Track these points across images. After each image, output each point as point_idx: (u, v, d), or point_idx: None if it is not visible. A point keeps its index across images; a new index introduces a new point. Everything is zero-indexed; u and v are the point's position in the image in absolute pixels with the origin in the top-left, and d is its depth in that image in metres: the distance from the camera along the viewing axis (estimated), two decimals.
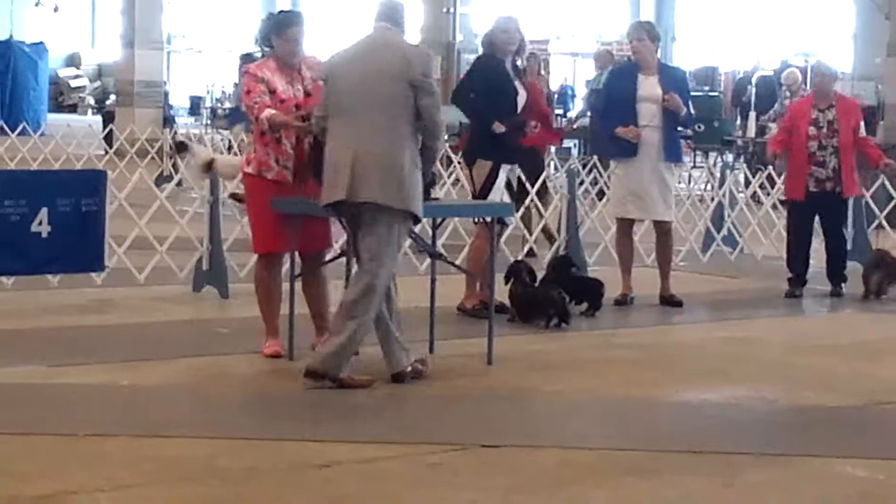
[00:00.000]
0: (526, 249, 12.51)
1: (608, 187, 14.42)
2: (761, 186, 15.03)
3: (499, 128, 9.68)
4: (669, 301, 10.52)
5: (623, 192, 10.51)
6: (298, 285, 8.16)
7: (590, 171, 16.08)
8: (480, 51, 10.27)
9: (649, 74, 10.39)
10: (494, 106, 9.73)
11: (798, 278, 11.17)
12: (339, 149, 7.39)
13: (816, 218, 11.22)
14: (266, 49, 8.16)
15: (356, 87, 7.38)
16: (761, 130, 20.92)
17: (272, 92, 7.96)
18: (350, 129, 7.37)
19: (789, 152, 11.14)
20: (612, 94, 10.67)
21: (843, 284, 11.25)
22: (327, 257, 8.29)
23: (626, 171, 10.47)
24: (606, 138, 10.72)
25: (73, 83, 46.13)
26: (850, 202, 12.79)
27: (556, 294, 9.48)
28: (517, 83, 9.81)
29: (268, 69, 8.02)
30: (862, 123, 11.24)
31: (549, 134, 15.28)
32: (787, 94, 19.99)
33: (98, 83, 46.22)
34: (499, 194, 9.75)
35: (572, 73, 32.91)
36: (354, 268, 7.55)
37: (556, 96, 28.47)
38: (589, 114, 20.84)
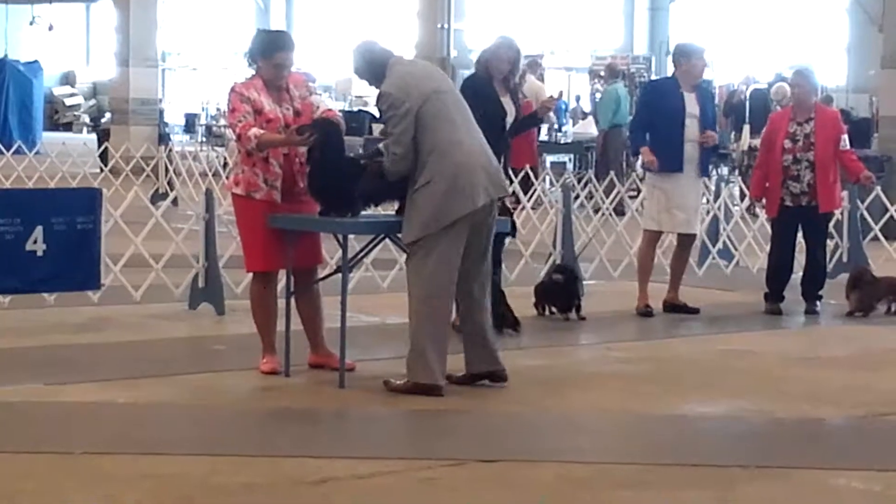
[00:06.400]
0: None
1: (603, 202, 14.50)
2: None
3: None
4: (683, 308, 10.72)
5: (669, 205, 10.64)
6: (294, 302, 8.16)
7: (585, 185, 16.09)
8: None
9: (689, 91, 10.68)
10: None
11: (772, 294, 10.89)
12: (467, 157, 7.56)
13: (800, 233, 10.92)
14: (255, 66, 7.98)
15: (451, 100, 7.69)
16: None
17: (259, 111, 7.86)
18: (472, 135, 7.69)
19: (765, 167, 10.88)
20: (657, 109, 10.70)
21: (818, 302, 10.92)
22: (323, 273, 8.28)
23: (672, 186, 10.61)
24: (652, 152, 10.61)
25: (69, 101, 46.13)
26: (846, 215, 12.84)
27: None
28: (508, 101, 9.69)
29: (255, 88, 7.91)
30: (845, 136, 10.85)
31: (529, 156, 15.32)
32: (778, 108, 19.99)
33: (93, 101, 46.23)
34: None
35: (567, 88, 32.90)
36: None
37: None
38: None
